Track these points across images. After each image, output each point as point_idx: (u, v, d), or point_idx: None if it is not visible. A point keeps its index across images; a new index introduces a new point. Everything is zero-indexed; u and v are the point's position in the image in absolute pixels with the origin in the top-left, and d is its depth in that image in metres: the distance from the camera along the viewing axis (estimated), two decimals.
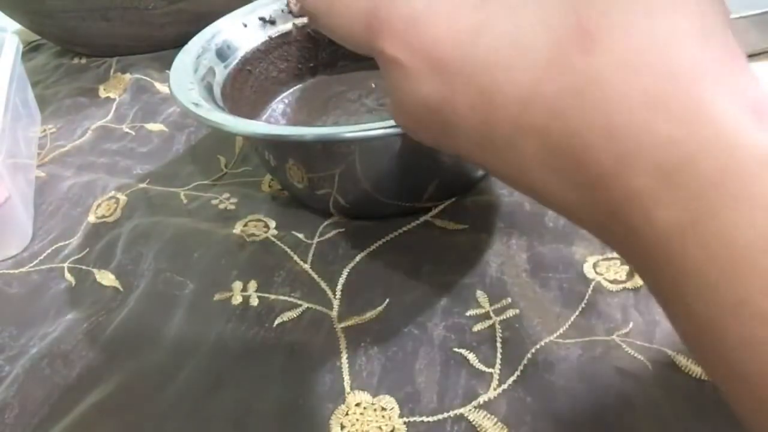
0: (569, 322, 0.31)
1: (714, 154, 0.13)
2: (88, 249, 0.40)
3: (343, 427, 0.27)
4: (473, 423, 0.27)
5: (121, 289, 0.37)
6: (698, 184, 0.13)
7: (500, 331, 0.31)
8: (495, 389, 0.28)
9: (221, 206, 0.42)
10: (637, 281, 0.32)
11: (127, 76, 0.61)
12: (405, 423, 0.27)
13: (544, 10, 0.14)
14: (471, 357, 0.30)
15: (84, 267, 0.39)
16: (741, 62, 0.14)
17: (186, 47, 0.41)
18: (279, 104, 0.47)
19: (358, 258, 0.36)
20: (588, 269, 0.33)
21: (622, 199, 0.14)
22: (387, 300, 0.33)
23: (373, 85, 0.46)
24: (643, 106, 0.13)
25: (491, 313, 0.32)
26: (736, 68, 0.14)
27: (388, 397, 0.28)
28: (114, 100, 0.58)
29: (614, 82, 0.14)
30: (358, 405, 0.28)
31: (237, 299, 0.35)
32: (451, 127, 0.16)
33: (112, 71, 0.63)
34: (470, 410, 0.27)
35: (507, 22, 0.15)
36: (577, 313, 0.31)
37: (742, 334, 0.13)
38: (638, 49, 0.13)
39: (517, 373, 0.29)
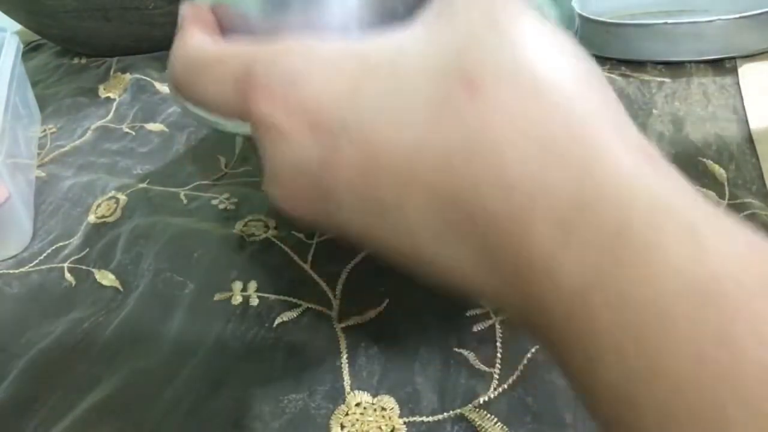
0: None
1: (613, 203, 0.12)
2: (88, 249, 0.40)
3: (343, 427, 0.27)
4: (473, 423, 0.27)
5: (121, 289, 0.37)
6: (599, 235, 0.12)
7: (500, 331, 0.31)
8: (495, 389, 0.28)
9: (221, 206, 0.42)
10: None
11: (127, 76, 0.61)
12: (405, 423, 0.27)
13: (428, 63, 0.14)
14: (471, 357, 0.30)
15: (84, 267, 0.39)
16: (626, 115, 0.14)
17: None
18: None
19: (358, 258, 0.36)
20: None
21: (523, 257, 0.13)
22: (387, 300, 0.33)
23: None
24: (535, 154, 0.13)
25: (491, 313, 0.32)
26: (620, 113, 0.14)
27: (388, 397, 0.28)
28: (114, 100, 0.58)
29: (503, 130, 0.13)
30: (358, 405, 0.28)
31: (237, 299, 0.35)
32: (334, 195, 0.15)
33: (112, 71, 0.63)
34: (470, 410, 0.27)
35: (388, 75, 0.14)
36: None
37: (658, 405, 0.11)
38: (526, 94, 0.13)
39: (517, 373, 0.29)
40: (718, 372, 0.11)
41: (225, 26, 0.19)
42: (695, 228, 0.12)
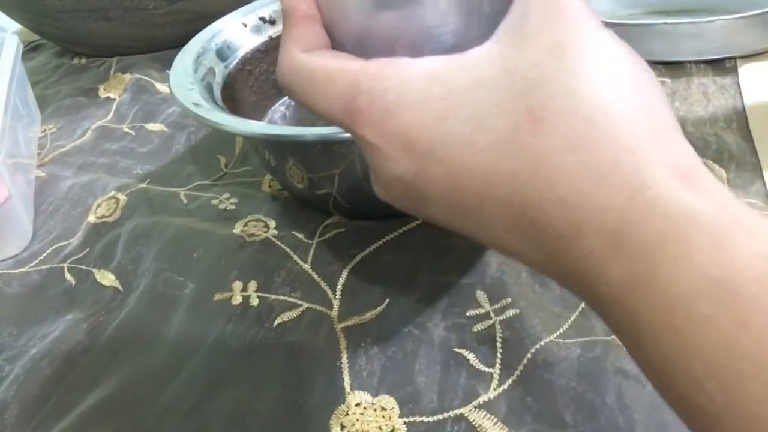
0: (569, 322, 0.31)
1: (651, 218, 0.15)
2: (88, 249, 0.40)
3: (343, 427, 0.27)
4: (473, 423, 0.27)
5: (121, 289, 0.37)
6: (640, 245, 0.15)
7: (500, 331, 0.31)
8: (495, 389, 0.28)
9: (221, 206, 0.42)
10: None
11: (127, 76, 0.61)
12: (405, 423, 0.27)
13: (501, 97, 0.17)
14: (471, 357, 0.30)
15: (84, 267, 0.39)
16: (673, 133, 0.16)
17: (186, 47, 0.41)
18: (280, 107, 0.47)
19: (358, 258, 0.36)
20: None
21: (579, 259, 0.16)
22: (387, 300, 0.33)
23: None
24: (586, 179, 0.16)
25: (491, 313, 0.32)
26: (667, 139, 0.16)
27: (388, 397, 0.28)
28: (114, 100, 0.58)
29: (561, 160, 0.16)
30: (358, 405, 0.28)
31: (237, 299, 0.35)
32: (425, 198, 0.18)
33: (112, 71, 0.63)
34: (470, 410, 0.27)
35: (470, 108, 0.17)
36: (577, 313, 0.31)
37: (692, 378, 0.15)
38: (580, 130, 0.16)
39: (517, 373, 0.29)
40: (738, 351, 0.14)
41: (324, 13, 0.20)
42: (720, 237, 0.15)
